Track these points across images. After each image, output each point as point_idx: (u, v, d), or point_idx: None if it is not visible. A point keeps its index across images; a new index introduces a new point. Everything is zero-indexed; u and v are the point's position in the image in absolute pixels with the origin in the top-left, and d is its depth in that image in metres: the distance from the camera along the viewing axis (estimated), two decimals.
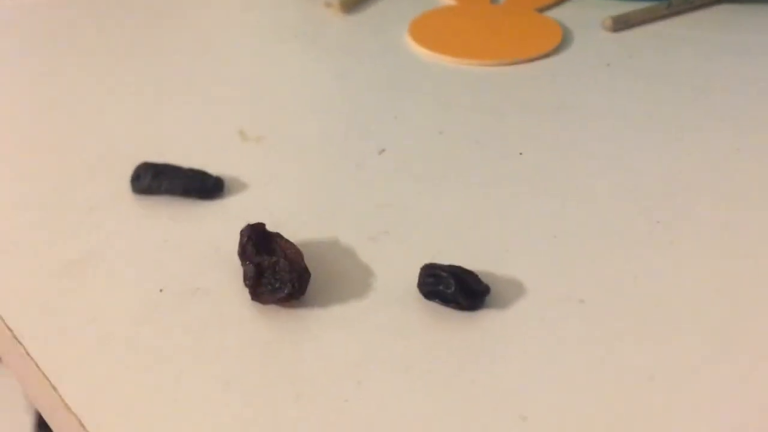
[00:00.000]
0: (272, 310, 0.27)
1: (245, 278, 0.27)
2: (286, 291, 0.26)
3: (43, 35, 0.47)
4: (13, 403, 0.84)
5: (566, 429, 0.23)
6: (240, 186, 0.33)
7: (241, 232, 0.28)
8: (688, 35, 0.45)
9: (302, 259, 0.27)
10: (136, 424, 0.23)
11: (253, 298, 0.27)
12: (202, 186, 0.32)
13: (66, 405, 0.24)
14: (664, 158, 0.34)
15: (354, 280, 0.28)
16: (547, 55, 0.43)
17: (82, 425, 0.23)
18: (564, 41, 0.45)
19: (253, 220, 0.29)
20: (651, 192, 0.32)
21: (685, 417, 0.23)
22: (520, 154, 0.35)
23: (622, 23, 0.46)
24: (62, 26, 0.48)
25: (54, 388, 0.24)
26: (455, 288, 0.26)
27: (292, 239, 0.29)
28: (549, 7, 0.49)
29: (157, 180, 0.32)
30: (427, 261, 0.28)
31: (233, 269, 0.29)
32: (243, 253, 0.28)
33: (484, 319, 0.26)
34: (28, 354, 0.26)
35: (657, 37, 0.45)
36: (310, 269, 0.27)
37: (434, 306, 0.27)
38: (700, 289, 0.28)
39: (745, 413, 0.23)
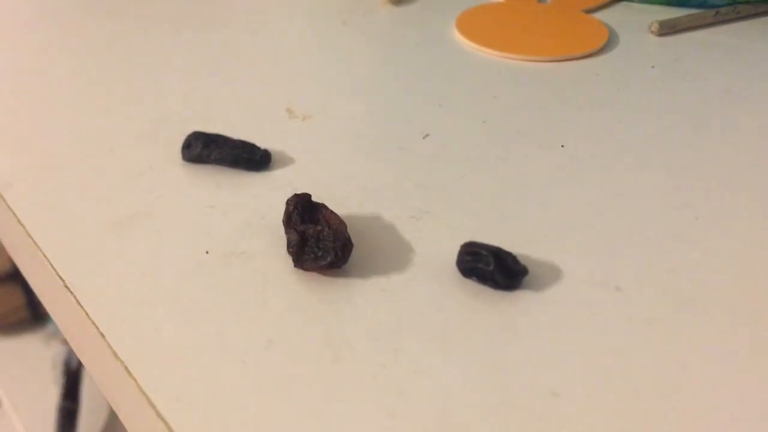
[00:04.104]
0: (313, 277, 0.28)
1: (289, 245, 0.28)
2: (329, 259, 0.27)
3: (107, 3, 0.48)
4: (41, 375, 0.85)
5: (597, 406, 0.23)
6: (286, 160, 0.34)
7: (288, 201, 0.29)
8: (733, 44, 0.45)
9: (346, 230, 0.28)
10: (180, 373, 0.24)
11: (296, 265, 0.28)
12: (251, 157, 0.33)
13: (114, 351, 0.25)
14: (704, 156, 0.35)
15: (394, 255, 0.29)
16: (592, 55, 0.44)
17: (129, 372, 0.24)
18: (610, 42, 0.45)
19: (298, 192, 0.30)
20: (690, 187, 0.33)
21: (719, 406, 0.23)
22: (562, 146, 0.35)
23: (668, 28, 0.46)
24: None
25: (102, 336, 0.25)
26: (494, 266, 0.27)
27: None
28: (596, 9, 0.50)
29: (208, 149, 0.33)
30: (466, 241, 0.29)
31: (277, 237, 0.29)
32: (288, 221, 0.29)
33: (521, 299, 0.27)
34: (78, 302, 0.27)
35: (702, 44, 0.45)
36: (352, 241, 0.28)
37: (471, 284, 0.28)
38: (735, 282, 0.28)
39: None
